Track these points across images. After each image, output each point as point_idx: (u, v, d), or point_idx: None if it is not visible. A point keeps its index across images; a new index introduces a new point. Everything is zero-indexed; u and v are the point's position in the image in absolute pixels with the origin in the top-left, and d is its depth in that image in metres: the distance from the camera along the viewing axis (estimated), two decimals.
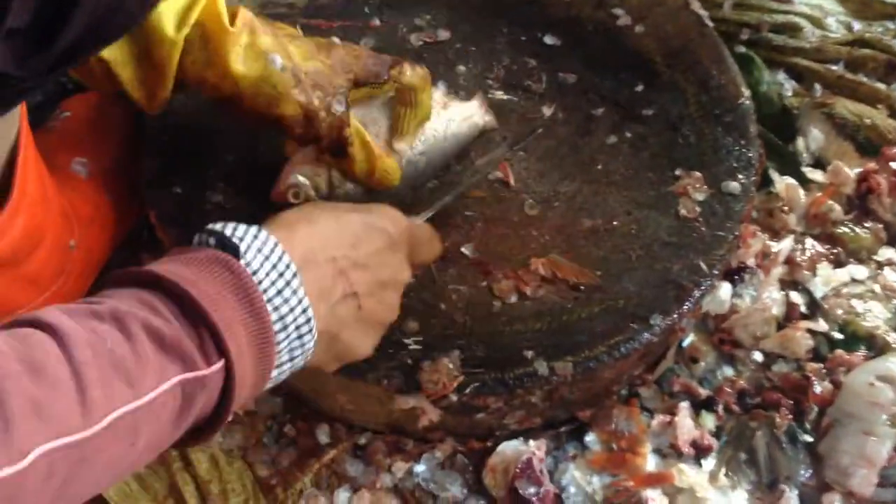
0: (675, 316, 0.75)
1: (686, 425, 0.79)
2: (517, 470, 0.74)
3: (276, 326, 0.54)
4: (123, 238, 0.89)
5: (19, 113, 0.68)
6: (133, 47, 0.69)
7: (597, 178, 0.83)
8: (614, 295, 0.76)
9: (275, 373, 0.56)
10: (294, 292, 0.55)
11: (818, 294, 0.87)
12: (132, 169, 0.87)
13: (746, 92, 0.88)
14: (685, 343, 0.84)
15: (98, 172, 0.87)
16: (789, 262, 0.88)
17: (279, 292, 0.55)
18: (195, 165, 0.82)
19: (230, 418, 0.54)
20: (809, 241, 0.90)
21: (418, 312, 0.75)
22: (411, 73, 0.73)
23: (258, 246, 0.55)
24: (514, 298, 0.76)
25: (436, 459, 0.78)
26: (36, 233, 0.74)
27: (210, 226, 0.57)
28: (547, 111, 0.87)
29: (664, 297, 0.76)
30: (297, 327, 0.56)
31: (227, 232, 0.55)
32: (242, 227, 0.56)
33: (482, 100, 0.80)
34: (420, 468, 0.77)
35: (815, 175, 0.95)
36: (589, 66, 0.90)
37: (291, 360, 0.57)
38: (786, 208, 0.91)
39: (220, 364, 0.50)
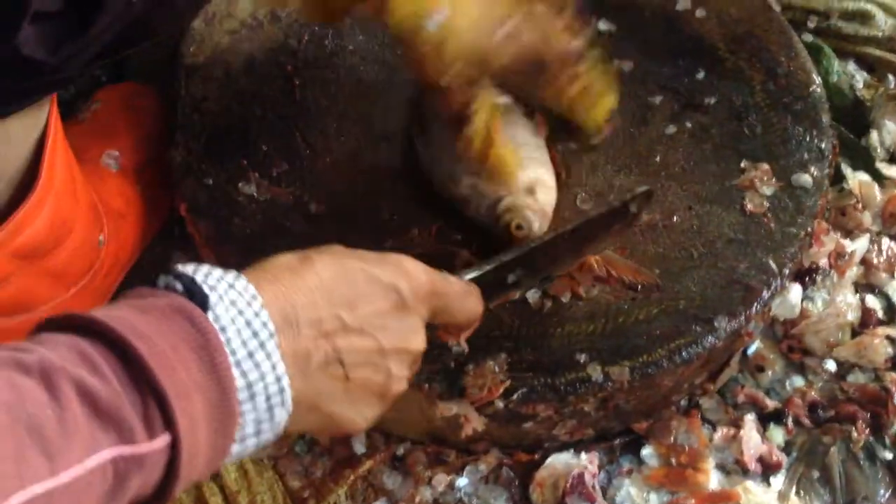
0: (742, 318, 0.71)
1: (752, 439, 0.74)
2: (567, 485, 0.71)
3: (242, 395, 0.47)
4: (155, 234, 0.87)
5: (49, 101, 0.66)
6: None
7: (655, 170, 0.79)
8: (674, 295, 0.72)
9: (236, 448, 0.48)
10: (268, 356, 0.48)
11: None
12: (164, 161, 0.85)
13: (817, 79, 0.83)
14: (750, 350, 0.80)
15: (129, 166, 0.85)
16: (865, 263, 0.83)
17: (250, 355, 0.47)
18: (228, 155, 0.80)
19: (172, 501, 0.46)
20: (886, 242, 0.85)
21: None
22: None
23: (232, 297, 0.48)
24: (566, 298, 0.71)
25: (479, 472, 0.74)
26: (63, 225, 0.72)
27: (180, 267, 0.49)
28: None
29: (729, 298, 0.71)
30: (268, 398, 0.48)
31: (198, 278, 0.48)
32: (217, 273, 0.49)
33: None
34: (462, 482, 0.74)
35: (891, 171, 0.89)
36: (646, 53, 0.85)
37: (257, 433, 0.49)
38: (860, 206, 0.86)
39: (165, 439, 0.43)
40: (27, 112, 0.62)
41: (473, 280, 0.62)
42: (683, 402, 0.77)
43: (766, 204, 0.76)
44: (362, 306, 0.54)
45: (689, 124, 0.81)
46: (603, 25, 0.86)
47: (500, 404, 0.67)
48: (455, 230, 0.75)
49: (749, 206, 0.76)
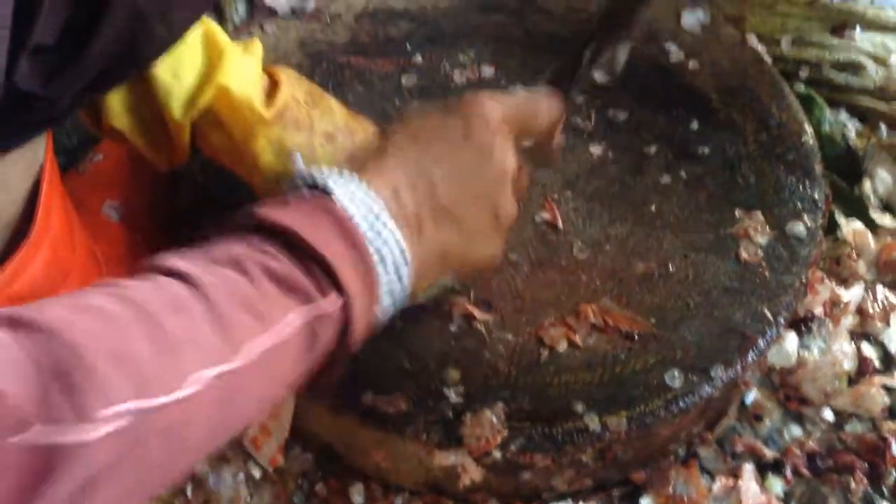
0: (738, 368, 0.70)
1: (751, 490, 0.73)
2: None
3: (376, 259, 0.54)
4: None
5: (44, 144, 0.66)
6: (145, 120, 0.68)
7: (650, 219, 0.79)
8: (671, 344, 0.71)
9: (378, 311, 0.56)
10: (384, 225, 0.55)
11: (892, 347, 0.82)
12: (164, 209, 0.85)
13: (809, 130, 0.84)
14: (748, 399, 0.79)
15: (130, 215, 0.85)
16: (860, 312, 0.83)
17: (371, 226, 0.54)
18: (228, 203, 0.79)
19: (350, 356, 0.54)
20: (881, 290, 0.84)
21: (460, 361, 0.70)
22: None
23: (345, 185, 0.55)
24: (562, 347, 0.71)
25: None
26: (59, 271, 0.72)
27: (297, 171, 0.58)
28: (596, 150, 0.83)
29: (725, 348, 0.71)
30: (394, 261, 0.56)
31: (317, 175, 0.56)
32: (328, 169, 0.57)
33: None
34: None
35: (884, 220, 0.90)
36: (640, 103, 0.86)
37: (391, 296, 0.56)
38: (854, 255, 0.86)
39: (336, 296, 0.51)
40: (22, 155, 0.62)
41: (549, 81, 0.66)
42: (682, 452, 0.76)
43: (761, 253, 0.76)
44: (447, 161, 0.59)
45: (683, 174, 0.81)
46: (597, 76, 0.87)
47: (497, 454, 0.67)
48: None
49: (744, 255, 0.76)
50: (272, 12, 0.90)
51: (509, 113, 0.62)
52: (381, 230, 0.55)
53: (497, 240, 0.63)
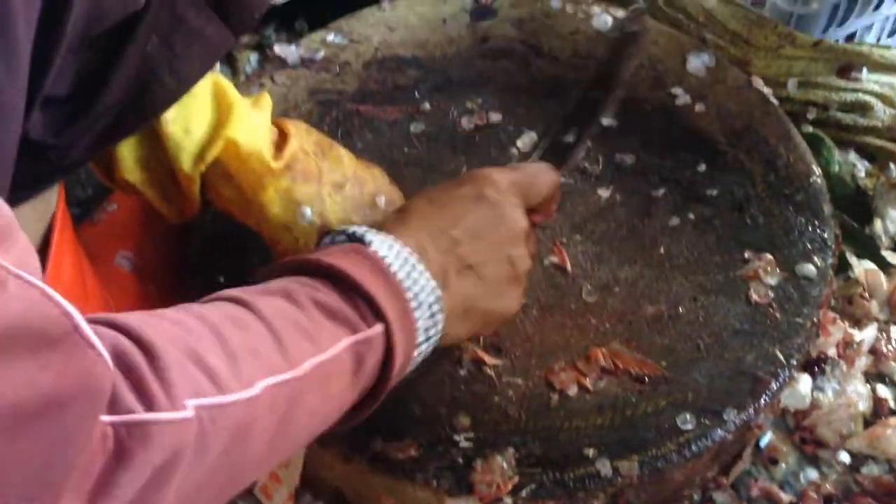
0: (751, 411, 0.70)
1: None
2: None
3: (413, 304, 0.58)
4: None
5: (56, 194, 0.67)
6: (156, 173, 0.69)
7: (659, 262, 0.79)
8: (682, 387, 0.71)
9: (415, 351, 0.59)
10: (421, 273, 0.59)
11: None
12: (177, 259, 0.85)
13: (817, 170, 0.84)
14: (763, 442, 0.78)
15: (143, 265, 0.86)
16: (874, 352, 0.82)
17: (408, 275, 0.58)
18: (239, 253, 0.80)
19: (391, 386, 0.57)
20: (894, 330, 0.84)
21: (469, 406, 0.70)
22: None
23: (380, 238, 0.59)
24: (573, 391, 0.71)
25: None
26: None
27: (333, 229, 0.63)
28: (604, 194, 0.83)
29: (738, 390, 0.70)
30: (430, 305, 0.59)
31: (350, 229, 0.60)
32: (360, 226, 0.61)
33: None
34: None
35: None
36: (647, 147, 0.86)
37: (427, 339, 0.60)
38: (866, 295, 0.85)
39: (380, 327, 0.55)
40: (34, 205, 0.63)
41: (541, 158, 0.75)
42: (696, 497, 0.75)
43: (771, 294, 0.76)
44: (464, 221, 0.63)
45: (691, 216, 0.81)
46: (604, 121, 0.87)
47: (508, 501, 0.66)
48: None
49: (754, 297, 0.76)
50: (283, 62, 0.92)
51: (514, 181, 0.67)
52: (418, 278, 0.58)
53: (516, 292, 0.67)
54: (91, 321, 0.40)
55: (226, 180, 0.69)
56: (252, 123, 0.68)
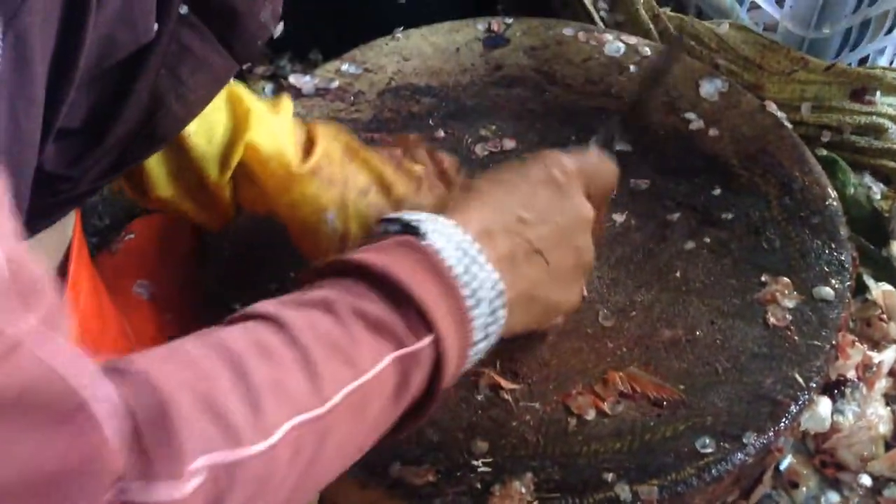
0: (771, 434, 0.69)
1: None
2: None
3: (470, 302, 0.55)
4: None
5: (72, 224, 0.68)
6: (188, 186, 0.70)
7: (675, 285, 0.79)
8: (701, 411, 0.70)
9: (471, 351, 0.56)
10: (481, 267, 0.56)
11: None
12: (194, 287, 0.86)
13: (833, 193, 0.84)
14: (783, 466, 0.77)
15: (160, 294, 0.86)
16: (894, 374, 0.81)
17: (466, 269, 0.55)
18: (256, 281, 0.80)
19: (441, 397, 0.54)
20: None
21: (487, 431, 0.70)
22: None
23: (438, 228, 0.56)
24: (590, 416, 0.71)
25: None
26: (88, 349, 0.72)
27: (389, 215, 0.59)
28: (619, 218, 0.83)
29: (757, 414, 0.70)
30: (490, 301, 0.56)
31: (408, 217, 0.57)
32: (419, 213, 0.58)
33: None
34: None
35: None
36: (662, 172, 0.86)
37: (486, 336, 0.57)
38: (885, 317, 0.85)
39: (429, 338, 0.52)
40: (50, 235, 0.64)
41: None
42: None
43: (789, 317, 0.75)
44: (533, 203, 0.61)
45: (707, 240, 0.81)
46: (618, 146, 0.88)
47: None
48: None
49: (772, 320, 0.75)
50: (298, 92, 0.93)
51: (581, 167, 0.65)
52: (478, 272, 0.56)
53: (578, 284, 0.66)
54: (103, 369, 0.39)
55: (250, 182, 0.70)
56: (271, 126, 0.69)
